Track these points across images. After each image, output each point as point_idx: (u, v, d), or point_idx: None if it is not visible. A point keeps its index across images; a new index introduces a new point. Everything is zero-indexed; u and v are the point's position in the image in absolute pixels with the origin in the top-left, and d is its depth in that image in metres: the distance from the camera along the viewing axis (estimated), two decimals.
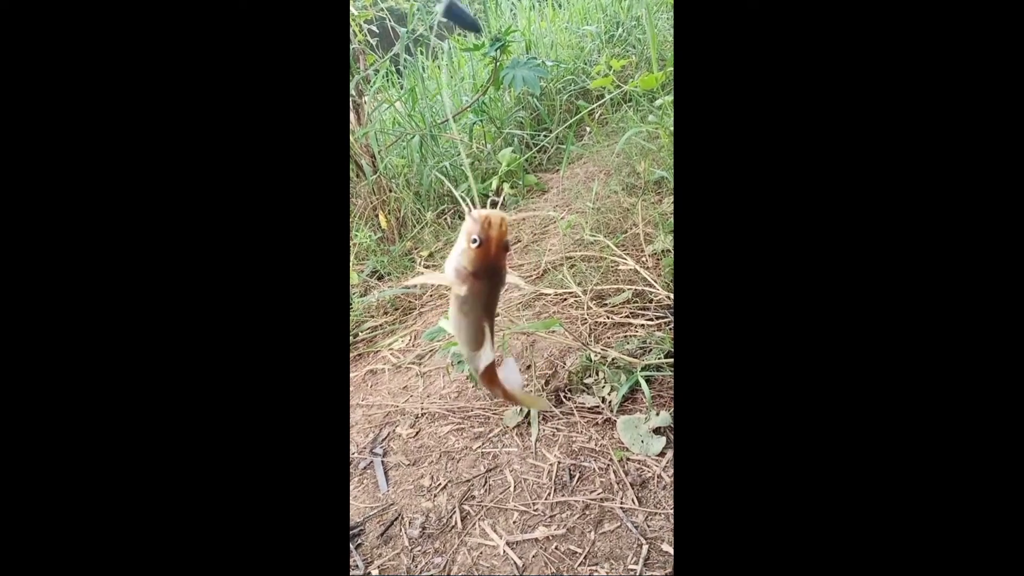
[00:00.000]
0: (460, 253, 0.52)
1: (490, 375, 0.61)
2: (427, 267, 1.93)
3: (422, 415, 1.25)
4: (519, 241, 1.89)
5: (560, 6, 3.47)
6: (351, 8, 2.07)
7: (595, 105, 2.38)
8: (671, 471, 0.97)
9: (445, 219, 2.23)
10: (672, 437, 1.02)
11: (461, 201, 0.53)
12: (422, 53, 2.97)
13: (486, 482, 1.04)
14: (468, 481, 1.05)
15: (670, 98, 1.42)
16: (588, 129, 2.48)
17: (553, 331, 1.32)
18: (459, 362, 1.20)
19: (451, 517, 0.99)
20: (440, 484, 1.06)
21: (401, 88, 2.65)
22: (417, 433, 1.20)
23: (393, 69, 2.63)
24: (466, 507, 1.00)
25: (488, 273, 0.52)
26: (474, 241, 0.50)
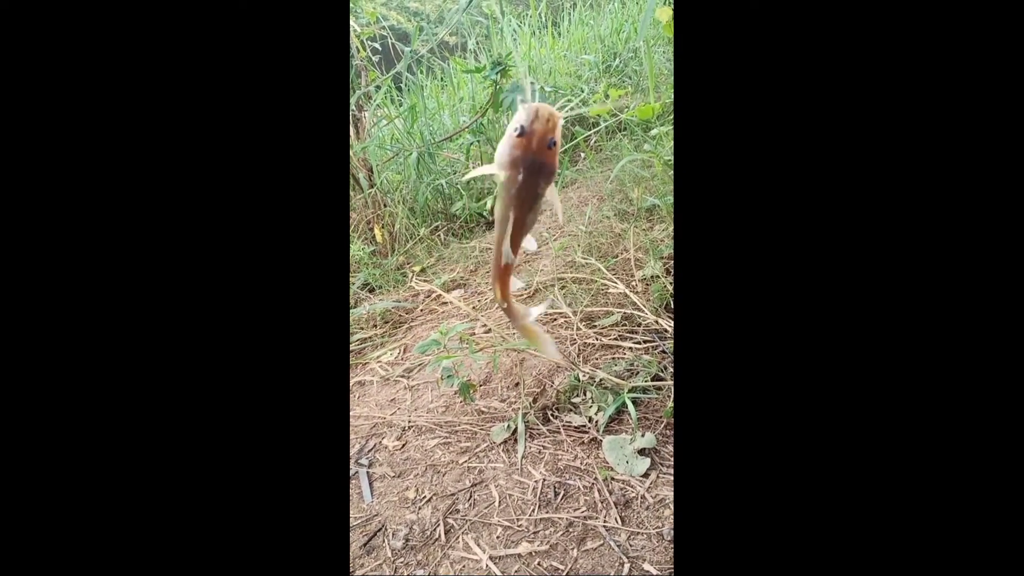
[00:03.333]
0: (504, 140, 0.52)
1: (503, 280, 0.60)
2: (419, 281, 1.94)
3: (409, 427, 1.25)
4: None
5: (560, 35, 3.55)
6: (354, 25, 2.11)
7: (591, 132, 2.44)
8: (655, 492, 0.98)
9: (439, 235, 2.25)
10: (657, 458, 1.04)
11: (517, 95, 0.53)
12: (423, 72, 3.02)
13: (471, 496, 1.05)
14: (453, 495, 1.05)
15: (666, 128, 1.46)
16: (583, 155, 2.53)
17: None
18: (448, 376, 1.21)
19: (435, 530, 0.99)
20: (425, 497, 1.06)
21: (401, 105, 2.69)
22: (403, 445, 1.20)
23: (394, 86, 2.67)
24: (450, 520, 1.00)
25: (527, 165, 0.52)
26: (517, 130, 0.51)
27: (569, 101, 2.71)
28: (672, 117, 1.69)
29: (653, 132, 1.56)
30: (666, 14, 1.66)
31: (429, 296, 1.86)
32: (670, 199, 1.63)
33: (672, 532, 0.90)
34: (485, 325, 1.55)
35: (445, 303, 1.80)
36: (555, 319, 1.49)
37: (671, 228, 1.60)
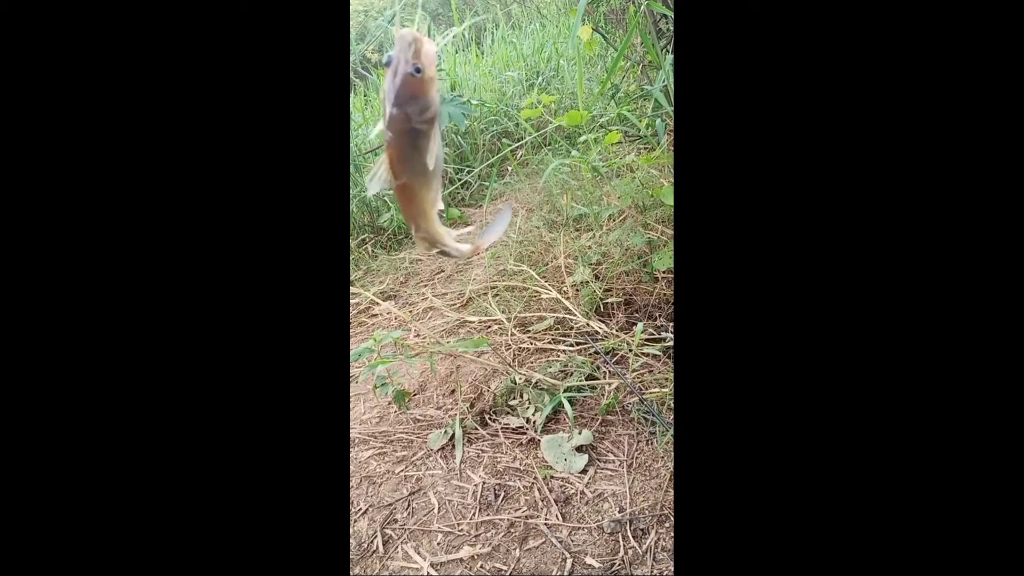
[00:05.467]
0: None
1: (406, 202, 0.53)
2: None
3: None
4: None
5: (483, 54, 3.61)
6: None
7: (516, 145, 2.48)
8: (594, 487, 0.99)
9: (366, 248, 2.21)
10: (593, 455, 1.05)
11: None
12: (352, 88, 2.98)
13: (409, 505, 1.02)
14: (390, 505, 1.02)
15: (594, 135, 1.51)
16: (510, 168, 2.56)
17: (482, 352, 1.33)
18: (382, 384, 1.18)
19: (372, 541, 0.95)
20: (361, 509, 1.02)
21: None
22: None
23: None
24: (388, 531, 0.97)
25: (394, 96, 0.47)
26: (385, 60, 0.47)
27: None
28: (598, 125, 1.75)
29: (582, 138, 1.60)
30: (587, 32, 1.72)
31: (356, 309, 1.81)
32: (597, 208, 1.68)
33: (611, 525, 0.91)
34: (418, 335, 1.53)
35: (374, 315, 1.76)
36: (490, 326, 1.49)
37: (599, 235, 1.65)
